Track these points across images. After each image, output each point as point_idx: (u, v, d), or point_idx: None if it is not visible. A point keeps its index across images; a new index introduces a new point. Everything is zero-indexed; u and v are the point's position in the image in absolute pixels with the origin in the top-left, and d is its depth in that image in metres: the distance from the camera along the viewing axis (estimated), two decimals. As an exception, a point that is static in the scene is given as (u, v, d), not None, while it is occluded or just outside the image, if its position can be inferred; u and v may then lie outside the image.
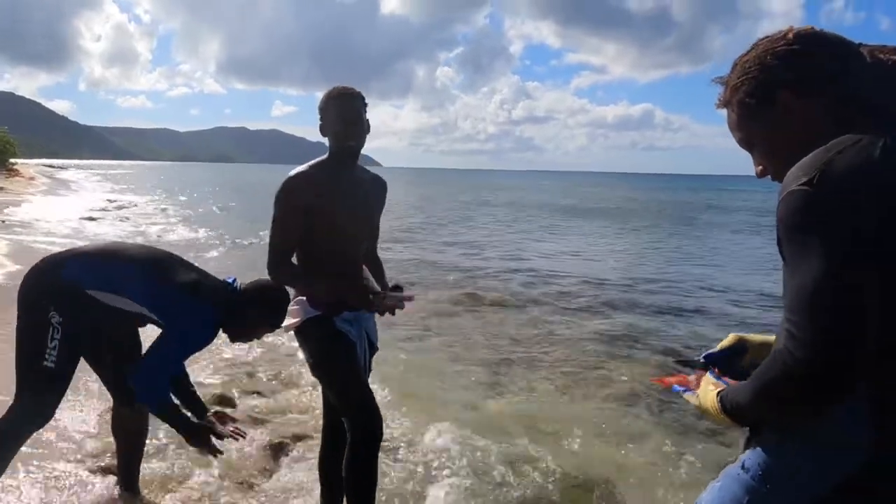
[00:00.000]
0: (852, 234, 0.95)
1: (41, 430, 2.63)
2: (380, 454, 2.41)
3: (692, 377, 1.29)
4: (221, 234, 15.59)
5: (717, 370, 1.26)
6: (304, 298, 2.44)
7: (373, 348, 2.61)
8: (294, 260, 2.46)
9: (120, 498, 2.93)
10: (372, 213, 2.63)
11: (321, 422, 2.73)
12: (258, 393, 4.56)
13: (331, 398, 2.52)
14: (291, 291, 2.53)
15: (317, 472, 2.73)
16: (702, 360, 1.34)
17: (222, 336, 2.65)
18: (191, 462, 3.35)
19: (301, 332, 2.45)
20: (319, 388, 2.73)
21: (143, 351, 2.59)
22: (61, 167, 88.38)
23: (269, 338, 5.50)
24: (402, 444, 3.71)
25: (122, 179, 58.80)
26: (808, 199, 0.97)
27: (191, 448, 3.47)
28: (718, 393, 1.15)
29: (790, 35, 1.13)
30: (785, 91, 1.11)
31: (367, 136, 2.53)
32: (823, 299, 0.94)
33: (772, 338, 1.35)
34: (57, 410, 2.58)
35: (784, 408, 1.03)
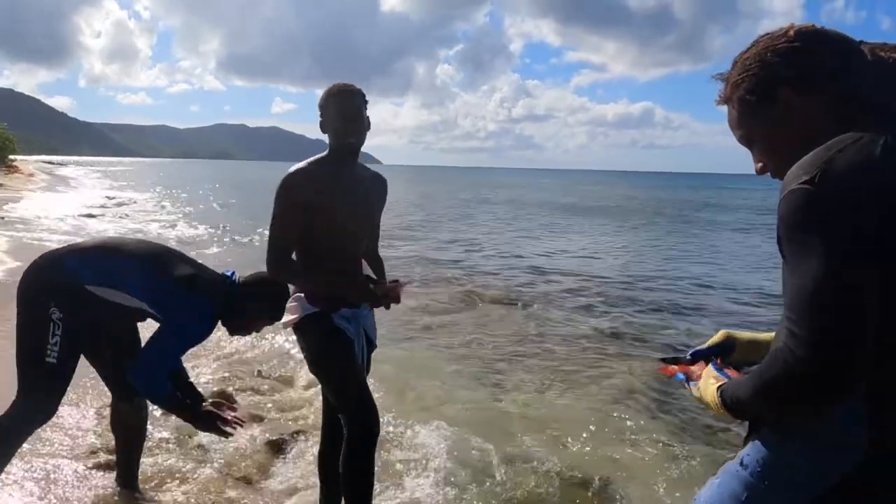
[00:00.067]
0: (853, 233, 0.95)
1: (41, 427, 2.63)
2: (377, 452, 2.41)
3: (695, 367, 1.29)
4: (221, 231, 15.58)
5: (719, 362, 1.26)
6: (303, 295, 2.44)
7: (371, 346, 2.61)
8: (294, 257, 2.46)
9: (119, 494, 2.93)
10: (372, 211, 2.62)
11: (320, 418, 2.73)
12: (257, 390, 4.56)
13: (328, 395, 2.53)
14: (290, 288, 2.53)
15: (316, 469, 2.74)
16: (689, 357, 1.35)
17: (223, 334, 2.65)
18: (190, 458, 3.36)
19: (299, 328, 2.45)
20: (318, 385, 2.73)
21: (142, 345, 2.60)
22: (61, 164, 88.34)
23: (267, 335, 5.53)
24: (400, 443, 3.72)
25: (122, 176, 58.77)
26: (808, 197, 0.97)
27: (191, 444, 3.50)
28: (719, 387, 1.15)
29: (791, 32, 1.13)
30: (786, 88, 1.11)
31: (367, 134, 2.52)
32: (824, 298, 0.94)
33: (760, 335, 1.36)
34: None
35: (784, 407, 1.03)
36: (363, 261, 2.65)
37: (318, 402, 2.94)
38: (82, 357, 2.64)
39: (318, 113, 2.48)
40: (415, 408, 4.32)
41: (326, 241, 2.43)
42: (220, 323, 2.65)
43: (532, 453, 3.66)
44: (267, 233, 2.43)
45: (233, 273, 2.68)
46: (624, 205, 36.12)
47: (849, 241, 0.95)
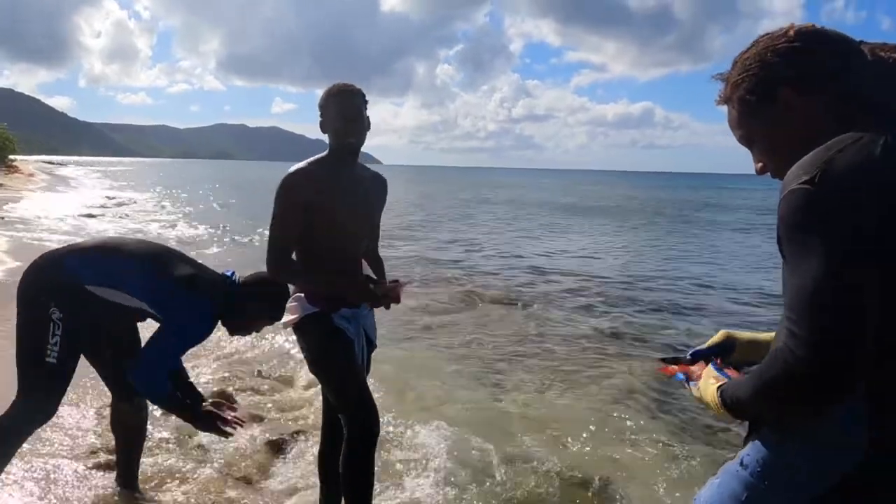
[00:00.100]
0: (853, 233, 0.95)
1: (41, 427, 2.63)
2: (377, 452, 2.41)
3: (696, 368, 1.29)
4: (221, 231, 15.58)
5: (719, 362, 1.26)
6: (303, 295, 2.44)
7: (371, 346, 2.61)
8: (294, 257, 2.46)
9: (119, 494, 2.93)
10: (372, 211, 2.62)
11: (320, 418, 2.73)
12: (257, 390, 4.56)
13: (328, 395, 2.53)
14: (290, 288, 2.53)
15: (316, 469, 2.74)
16: (689, 357, 1.35)
17: (223, 334, 2.65)
18: (190, 458, 3.36)
19: (299, 328, 2.45)
20: (318, 385, 2.73)
21: (142, 345, 2.59)
22: (61, 164, 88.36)
23: (268, 335, 5.53)
24: (400, 443, 3.72)
25: (122, 176, 58.77)
26: (809, 197, 0.97)
27: (191, 444, 3.50)
28: (719, 387, 1.15)
29: (791, 32, 1.13)
30: (786, 88, 1.11)
31: (367, 134, 2.52)
32: (824, 298, 0.94)
33: (760, 335, 1.36)
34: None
35: (784, 406, 1.03)
36: (363, 261, 2.65)
37: (318, 402, 2.94)
38: (82, 357, 2.64)
39: (319, 113, 2.48)
40: (415, 408, 4.32)
41: (326, 241, 2.42)
42: (220, 323, 2.65)
43: (532, 453, 3.66)
44: (267, 233, 2.43)
45: (233, 273, 2.68)
46: (624, 205, 36.12)
47: (849, 241, 0.94)
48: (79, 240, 3.48)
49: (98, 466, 3.18)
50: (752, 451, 1.14)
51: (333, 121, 2.42)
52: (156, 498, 2.97)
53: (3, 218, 14.52)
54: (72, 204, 21.01)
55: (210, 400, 2.77)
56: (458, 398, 4.66)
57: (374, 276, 2.63)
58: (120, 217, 18.25)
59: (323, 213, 2.37)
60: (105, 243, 2.74)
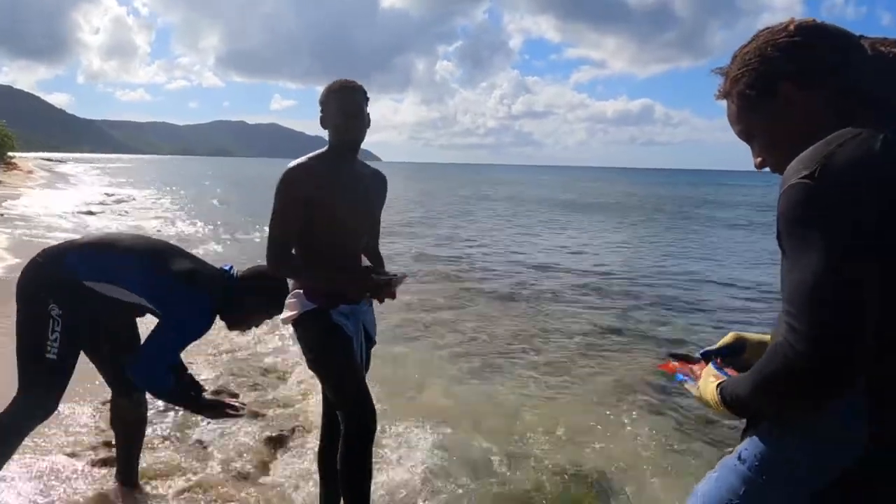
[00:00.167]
0: (853, 228, 0.95)
1: (42, 423, 2.63)
2: (374, 450, 2.41)
3: (696, 367, 1.29)
4: (220, 228, 15.57)
5: (719, 360, 1.26)
6: (302, 291, 2.44)
7: (371, 342, 2.61)
8: (294, 253, 2.46)
9: (119, 490, 2.93)
10: (372, 208, 2.62)
11: (319, 415, 2.73)
12: (256, 386, 4.56)
13: (326, 391, 2.53)
14: (289, 283, 2.53)
15: (315, 465, 2.74)
16: (699, 357, 1.34)
17: (223, 331, 2.65)
18: (190, 454, 3.36)
19: (298, 324, 2.45)
20: (317, 381, 2.73)
21: (141, 341, 2.60)
22: (60, 161, 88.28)
23: (267, 331, 5.53)
24: (398, 440, 3.71)
25: (121, 173, 58.68)
26: (808, 192, 0.97)
27: (191, 440, 3.50)
28: (719, 385, 1.15)
29: (791, 26, 1.13)
30: (786, 83, 1.11)
31: (367, 130, 2.52)
32: (824, 293, 0.94)
33: (770, 337, 1.35)
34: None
35: (784, 401, 1.03)
36: (363, 257, 2.65)
37: (317, 399, 2.94)
38: (82, 353, 2.64)
39: (319, 109, 2.48)
40: (413, 404, 4.32)
41: (326, 236, 2.42)
42: (218, 318, 2.65)
43: (532, 451, 3.66)
44: (266, 229, 2.43)
45: (231, 267, 2.68)
46: (623, 201, 36.11)
47: (849, 236, 0.94)
48: (78, 236, 3.48)
49: (98, 463, 3.18)
50: (750, 446, 1.14)
51: (334, 117, 2.42)
52: (155, 494, 2.97)
53: (2, 215, 14.51)
54: (71, 201, 20.98)
55: (211, 389, 2.79)
56: (458, 395, 4.66)
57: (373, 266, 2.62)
58: (119, 214, 18.24)
59: (323, 209, 2.37)
60: (101, 239, 2.74)
